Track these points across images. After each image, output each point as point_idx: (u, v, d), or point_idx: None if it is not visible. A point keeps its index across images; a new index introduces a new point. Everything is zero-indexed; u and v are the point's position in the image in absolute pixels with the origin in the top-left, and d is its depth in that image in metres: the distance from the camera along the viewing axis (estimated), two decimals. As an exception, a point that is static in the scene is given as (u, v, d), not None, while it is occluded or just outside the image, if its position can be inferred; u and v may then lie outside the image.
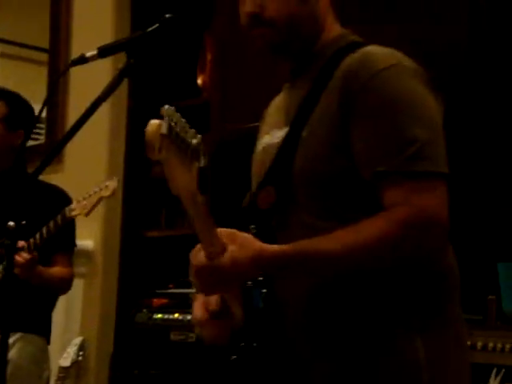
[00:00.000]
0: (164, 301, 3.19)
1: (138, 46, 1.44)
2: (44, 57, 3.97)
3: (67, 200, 2.51)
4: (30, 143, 3.69)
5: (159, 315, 3.12)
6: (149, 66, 3.48)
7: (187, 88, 3.66)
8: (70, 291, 2.72)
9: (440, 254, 1.35)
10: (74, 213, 2.35)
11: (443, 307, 1.36)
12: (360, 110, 1.30)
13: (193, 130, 1.10)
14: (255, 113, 1.64)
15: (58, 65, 3.84)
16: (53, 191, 2.65)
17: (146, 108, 3.73)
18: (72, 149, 3.22)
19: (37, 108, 3.76)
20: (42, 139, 3.89)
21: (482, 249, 2.30)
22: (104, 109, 1.43)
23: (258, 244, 1.25)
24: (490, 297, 2.17)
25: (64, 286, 2.64)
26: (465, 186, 2.37)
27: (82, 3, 3.83)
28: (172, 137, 1.04)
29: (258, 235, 1.29)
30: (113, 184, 2.33)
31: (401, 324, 1.32)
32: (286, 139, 1.39)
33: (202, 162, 1.10)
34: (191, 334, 2.88)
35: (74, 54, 3.77)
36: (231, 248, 1.21)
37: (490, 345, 2.15)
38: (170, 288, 3.24)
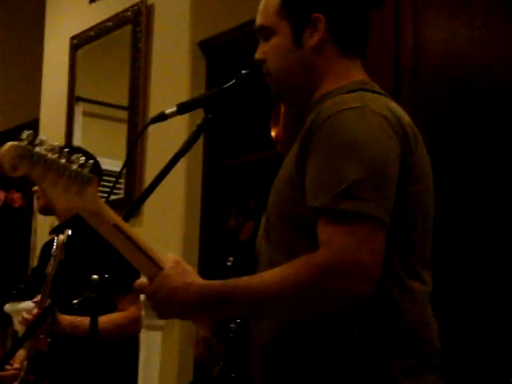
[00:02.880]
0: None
1: (215, 102, 1.48)
2: (124, 114, 4.10)
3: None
4: (111, 197, 3.78)
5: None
6: (224, 121, 3.54)
7: (261, 140, 3.70)
8: (148, 344, 2.70)
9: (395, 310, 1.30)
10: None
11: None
12: (310, 149, 1.31)
13: (79, 157, 1.18)
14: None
15: (137, 121, 3.96)
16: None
17: (221, 162, 3.79)
18: (150, 202, 3.28)
19: (116, 163, 3.88)
20: (121, 194, 4.00)
21: None
22: (180, 163, 1.47)
23: (194, 276, 1.29)
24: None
25: (130, 326, 2.55)
26: None
27: (160, 63, 3.96)
28: (34, 158, 1.11)
29: (234, 267, 1.34)
30: None
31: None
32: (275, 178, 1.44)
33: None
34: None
35: (152, 111, 3.89)
36: (168, 272, 1.28)
37: None
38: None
